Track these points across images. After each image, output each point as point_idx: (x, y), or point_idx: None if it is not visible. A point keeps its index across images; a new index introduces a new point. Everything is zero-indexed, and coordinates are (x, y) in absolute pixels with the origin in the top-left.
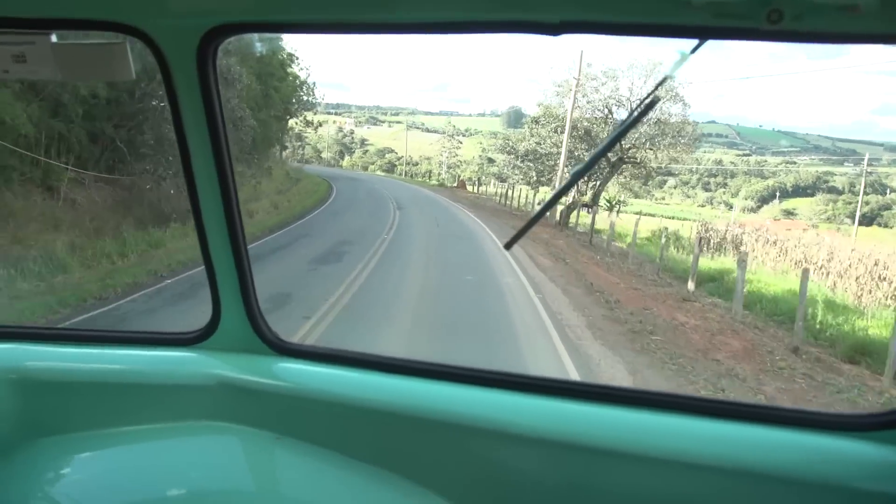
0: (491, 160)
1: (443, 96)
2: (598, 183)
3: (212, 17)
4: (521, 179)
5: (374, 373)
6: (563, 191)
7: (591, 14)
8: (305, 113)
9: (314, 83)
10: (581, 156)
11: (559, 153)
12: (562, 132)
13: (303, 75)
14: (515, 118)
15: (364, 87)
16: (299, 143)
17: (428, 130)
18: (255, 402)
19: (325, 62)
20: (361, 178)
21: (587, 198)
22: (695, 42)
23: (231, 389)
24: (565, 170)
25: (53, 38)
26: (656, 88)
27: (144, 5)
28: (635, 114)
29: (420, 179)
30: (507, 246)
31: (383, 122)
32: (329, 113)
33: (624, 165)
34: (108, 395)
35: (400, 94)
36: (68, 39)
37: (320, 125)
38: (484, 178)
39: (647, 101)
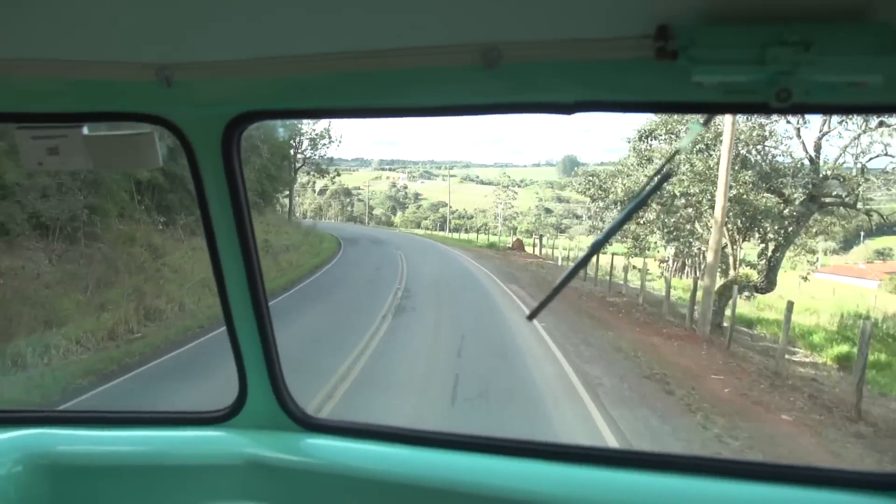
0: (548, 210)
1: (497, 148)
2: (774, 247)
3: (235, 105)
4: (619, 238)
5: (405, 446)
6: (583, 263)
7: (604, 94)
8: (318, 162)
9: (328, 126)
10: (740, 194)
11: (703, 192)
12: (707, 155)
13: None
14: (570, 166)
15: (418, 143)
16: (348, 200)
17: (482, 183)
18: (284, 479)
19: (380, 121)
20: (391, 241)
21: (756, 274)
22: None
23: (260, 468)
24: (725, 221)
25: (85, 131)
26: (668, 161)
27: (171, 97)
28: (649, 187)
29: (466, 238)
30: (530, 317)
31: (437, 175)
32: (383, 169)
33: (820, 213)
34: (137, 477)
35: (455, 148)
36: (98, 131)
37: (338, 174)
38: (542, 229)
39: (660, 174)
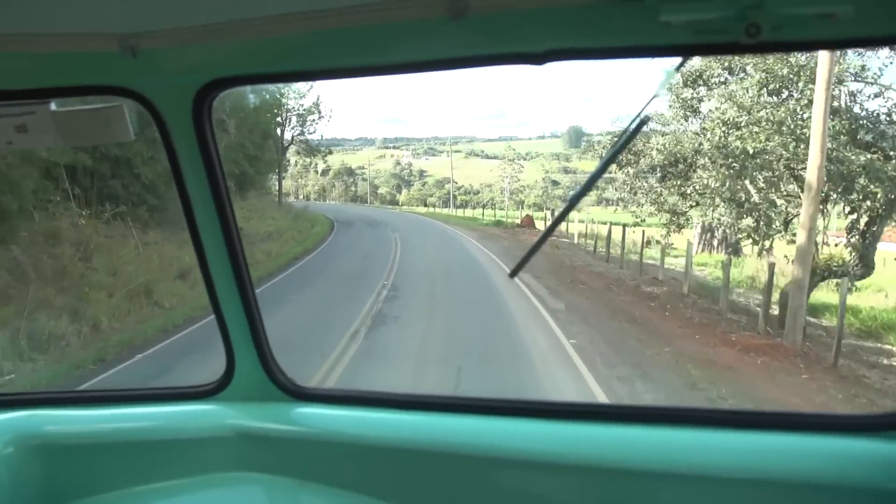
0: (555, 182)
1: (501, 122)
2: (869, 219)
3: (205, 73)
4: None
5: (392, 411)
6: (561, 217)
7: (575, 41)
8: (307, 140)
9: (317, 101)
10: (829, 149)
11: (786, 148)
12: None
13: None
14: (576, 137)
15: (422, 120)
16: (351, 179)
17: (487, 157)
18: (275, 449)
19: (383, 98)
20: (389, 223)
21: (849, 253)
22: (678, 60)
23: (251, 439)
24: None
25: (53, 106)
26: (645, 107)
27: (138, 67)
28: (627, 133)
29: (471, 215)
30: (512, 275)
31: (442, 151)
32: (387, 147)
33: None
34: (129, 454)
35: (458, 124)
36: (67, 106)
37: (329, 153)
38: (550, 202)
39: (637, 119)
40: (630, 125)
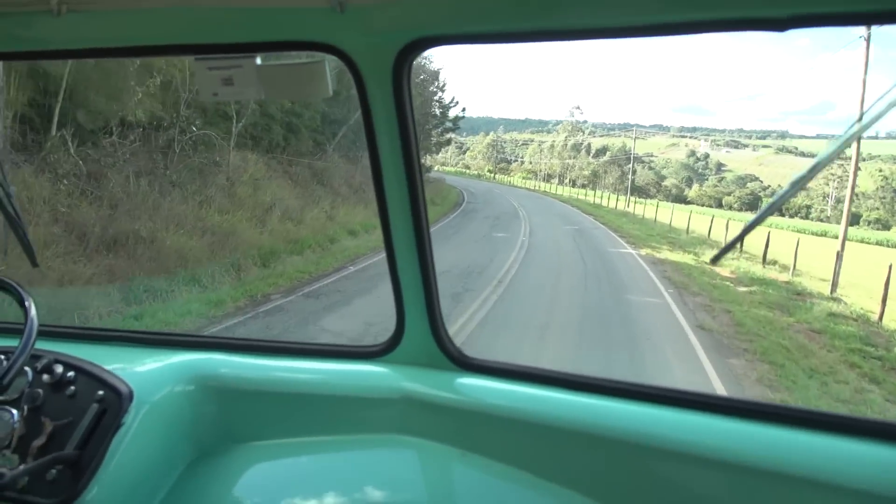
0: None
1: (819, 119)
2: None
3: (409, 32)
4: None
5: (560, 390)
6: (782, 200)
7: (826, 5)
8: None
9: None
10: None
11: None
12: None
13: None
14: None
15: (727, 110)
16: (629, 166)
17: (803, 155)
18: (436, 416)
19: (681, 86)
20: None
21: None
22: None
23: (415, 403)
24: None
25: (258, 61)
26: None
27: (344, 24)
28: (881, 112)
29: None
30: (713, 261)
31: (746, 145)
32: (682, 136)
33: None
34: (295, 405)
35: (768, 118)
36: (271, 61)
37: (455, 127)
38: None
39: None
40: (885, 96)
